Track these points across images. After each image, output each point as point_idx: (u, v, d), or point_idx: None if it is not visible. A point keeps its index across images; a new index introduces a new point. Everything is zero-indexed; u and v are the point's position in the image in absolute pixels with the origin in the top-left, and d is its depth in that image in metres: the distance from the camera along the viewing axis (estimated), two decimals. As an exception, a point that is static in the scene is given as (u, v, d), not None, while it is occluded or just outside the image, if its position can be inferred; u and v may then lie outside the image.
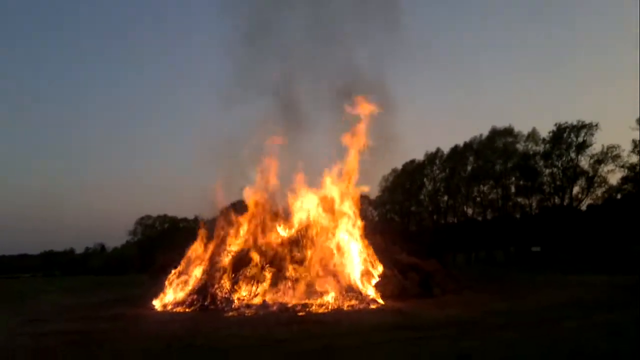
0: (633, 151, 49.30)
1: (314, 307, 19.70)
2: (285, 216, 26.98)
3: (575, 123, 53.81)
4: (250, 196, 26.94)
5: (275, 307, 19.93)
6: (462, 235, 62.10)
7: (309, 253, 23.37)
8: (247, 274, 22.72)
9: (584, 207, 56.49)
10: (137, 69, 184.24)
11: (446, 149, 66.88)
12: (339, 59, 30.77)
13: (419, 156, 69.39)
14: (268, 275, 22.42)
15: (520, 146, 59.63)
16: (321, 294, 20.86)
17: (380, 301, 21.06)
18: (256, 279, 22.40)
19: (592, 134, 52.91)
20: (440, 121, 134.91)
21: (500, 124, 64.82)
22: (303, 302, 20.29)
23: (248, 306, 20.51)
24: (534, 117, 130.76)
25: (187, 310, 21.57)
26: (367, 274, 23.25)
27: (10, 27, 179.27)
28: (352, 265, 23.24)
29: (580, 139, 53.41)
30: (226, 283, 22.54)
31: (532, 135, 58.37)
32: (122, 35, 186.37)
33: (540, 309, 17.85)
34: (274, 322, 16.59)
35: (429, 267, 25.40)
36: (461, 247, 65.41)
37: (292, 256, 23.28)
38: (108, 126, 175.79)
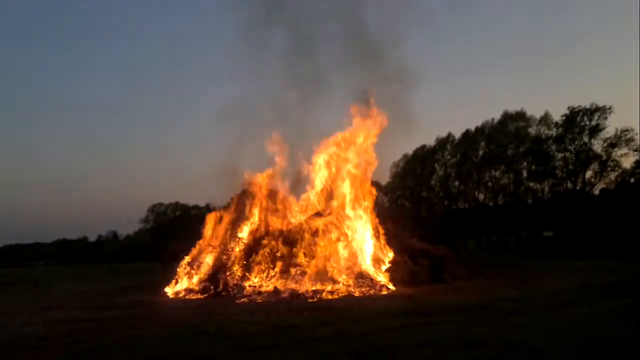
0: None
1: (325, 294, 19.75)
2: (297, 201, 27.05)
3: (588, 106, 53.08)
4: (261, 182, 26.95)
5: (286, 294, 20.00)
6: (474, 221, 61.89)
7: (320, 240, 23.38)
8: (258, 260, 22.83)
9: (596, 191, 56.07)
10: (152, 55, 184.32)
11: (457, 134, 66.51)
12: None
13: (430, 141, 69.10)
14: (279, 262, 22.49)
15: (532, 130, 59.08)
16: (332, 281, 20.92)
17: (391, 287, 21.09)
18: (267, 266, 22.49)
19: (605, 117, 52.16)
20: (451, 106, 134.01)
21: (512, 107, 64.24)
22: (314, 288, 20.34)
23: (259, 293, 20.62)
24: (546, 100, 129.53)
25: (199, 297, 21.74)
26: (377, 260, 23.26)
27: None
28: (363, 251, 23.25)
29: (594, 123, 52.65)
30: (237, 270, 22.66)
31: (545, 119, 57.75)
32: (130, 20, 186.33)
33: (551, 294, 17.78)
34: (285, 308, 16.67)
35: (439, 253, 25.40)
36: (472, 232, 65.24)
37: (303, 243, 23.30)
38: (121, 115, 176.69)
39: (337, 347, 10.10)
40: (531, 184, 60.72)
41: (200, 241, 26.11)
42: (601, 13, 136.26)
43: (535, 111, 67.39)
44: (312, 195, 26.79)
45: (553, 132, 56.61)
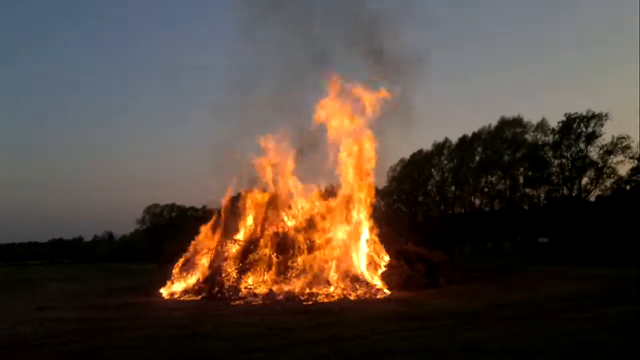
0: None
1: (320, 297, 19.76)
2: (292, 204, 26.95)
3: (584, 113, 53.30)
4: (257, 185, 26.94)
5: (281, 296, 20.00)
6: (470, 226, 61.99)
7: (316, 242, 23.39)
8: (254, 262, 22.83)
9: (592, 198, 56.17)
10: (148, 55, 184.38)
11: (454, 139, 66.77)
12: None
13: (427, 146, 69.28)
14: (274, 264, 22.50)
15: (529, 136, 59.40)
16: (328, 284, 20.92)
17: (387, 291, 21.11)
18: (263, 268, 22.50)
19: (601, 125, 52.43)
20: (448, 111, 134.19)
21: (509, 114, 64.47)
22: (309, 291, 20.34)
23: (255, 295, 20.60)
24: (543, 107, 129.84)
25: (194, 298, 21.72)
26: (373, 264, 23.28)
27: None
28: (359, 255, 23.27)
29: (590, 130, 52.91)
30: (233, 272, 22.66)
31: (541, 126, 58.04)
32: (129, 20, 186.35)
33: (546, 300, 17.86)
34: (281, 311, 16.68)
35: (435, 258, 25.42)
36: (468, 237, 65.34)
37: (299, 245, 23.31)
38: (117, 115, 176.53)
39: (332, 350, 10.11)
40: (527, 190, 60.94)
41: (196, 242, 26.07)
42: (599, 20, 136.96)
43: (532, 117, 67.48)
44: (308, 198, 26.75)
45: (549, 138, 56.88)
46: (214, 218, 26.87)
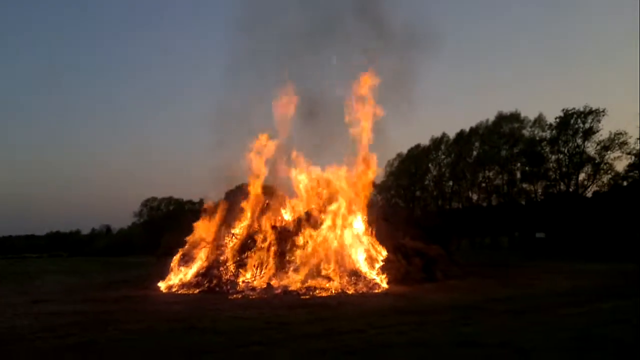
0: (640, 138, 48.93)
1: (318, 291, 19.80)
2: (290, 198, 26.94)
3: (582, 109, 53.26)
4: (254, 179, 26.87)
5: (279, 290, 20.03)
6: (467, 221, 62.04)
7: (313, 236, 23.40)
8: (252, 256, 22.85)
9: (589, 193, 56.22)
10: (145, 53, 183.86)
11: (452, 134, 66.78)
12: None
13: (425, 141, 69.27)
14: (272, 258, 22.52)
15: (526, 132, 59.31)
16: (325, 278, 20.95)
17: (384, 285, 21.15)
18: (261, 262, 22.52)
19: (599, 120, 52.32)
20: (446, 105, 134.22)
21: (507, 109, 64.34)
22: (307, 285, 20.38)
23: (252, 289, 20.64)
24: (540, 102, 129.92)
25: (192, 292, 21.73)
26: (371, 259, 23.31)
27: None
28: (357, 249, 23.30)
29: (587, 125, 52.83)
30: (231, 265, 22.67)
31: (539, 121, 57.98)
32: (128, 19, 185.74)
33: (543, 294, 17.91)
34: (278, 305, 16.70)
35: (432, 253, 25.48)
36: (466, 232, 65.40)
37: (296, 239, 23.33)
38: (115, 108, 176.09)
39: (329, 344, 10.13)
40: (524, 185, 60.88)
41: (194, 236, 26.06)
42: (598, 17, 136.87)
43: (529, 113, 67.65)
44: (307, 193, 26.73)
45: (547, 134, 56.78)
46: (211, 211, 26.84)
